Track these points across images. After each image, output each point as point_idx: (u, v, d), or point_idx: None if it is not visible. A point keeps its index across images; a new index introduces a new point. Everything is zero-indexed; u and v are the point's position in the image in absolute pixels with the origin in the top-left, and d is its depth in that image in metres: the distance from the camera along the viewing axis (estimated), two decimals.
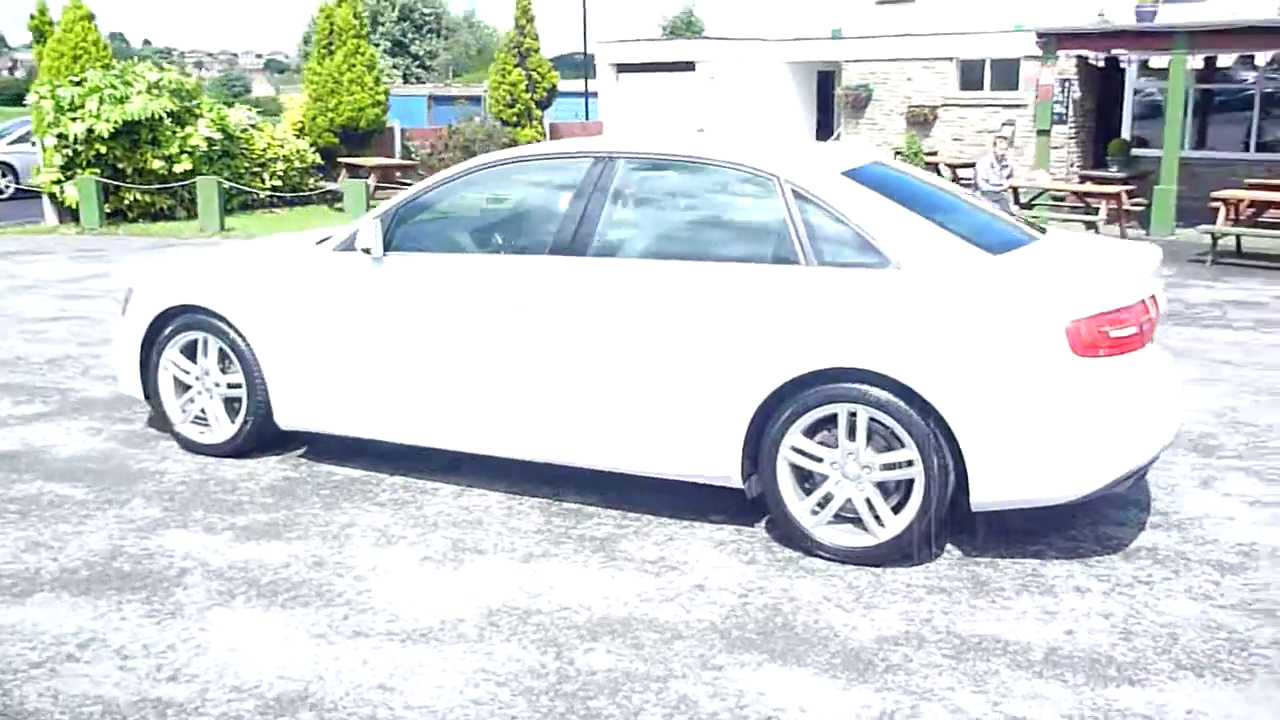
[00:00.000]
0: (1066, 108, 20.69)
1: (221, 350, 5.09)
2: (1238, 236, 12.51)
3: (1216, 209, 13.00)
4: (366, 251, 4.62)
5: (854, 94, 23.41)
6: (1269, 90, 17.76)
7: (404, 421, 4.75)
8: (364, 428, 4.88)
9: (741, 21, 24.43)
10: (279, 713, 3.07)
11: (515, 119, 20.50)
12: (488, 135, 19.99)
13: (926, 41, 22.16)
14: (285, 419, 5.01)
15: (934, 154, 21.49)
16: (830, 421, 4.02)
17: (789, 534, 4.17)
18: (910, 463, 3.91)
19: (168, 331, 5.18)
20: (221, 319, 5.02)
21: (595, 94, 26.19)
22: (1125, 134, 19.00)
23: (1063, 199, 16.71)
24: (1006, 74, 21.38)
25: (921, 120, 22.47)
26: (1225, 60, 14.28)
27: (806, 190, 4.15)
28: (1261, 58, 13.73)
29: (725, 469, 4.20)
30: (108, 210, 14.50)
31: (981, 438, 3.79)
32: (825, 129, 25.57)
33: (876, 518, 4.01)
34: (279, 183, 16.29)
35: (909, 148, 18.41)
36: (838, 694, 3.20)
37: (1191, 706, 3.13)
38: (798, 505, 4.11)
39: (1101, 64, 15.93)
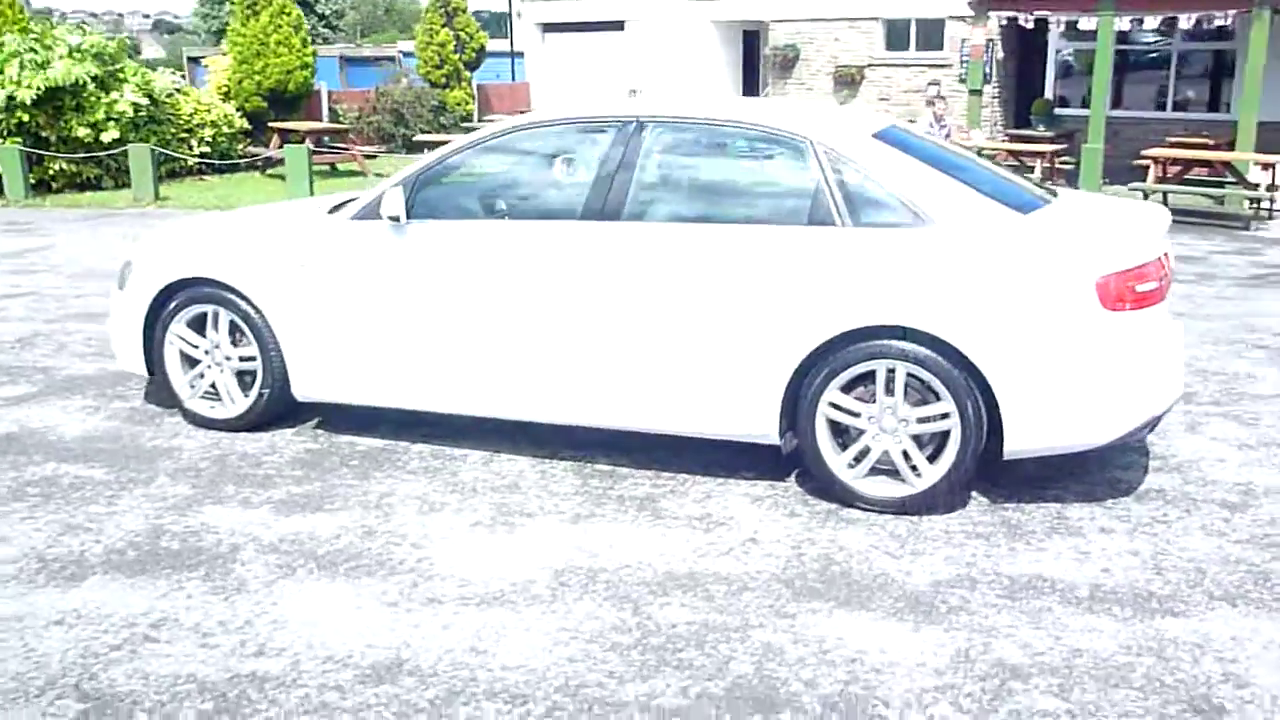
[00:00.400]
0: (990, 68, 21.17)
1: (233, 323, 5.01)
2: (1165, 194, 13.04)
3: (1146, 167, 13.53)
4: (395, 219, 4.58)
5: (781, 54, 23.58)
6: (1184, 50, 18.44)
7: (433, 389, 4.76)
8: (389, 397, 4.87)
9: None
10: (379, 680, 3.11)
11: (444, 80, 20.19)
12: (417, 98, 19.69)
13: (853, 2, 22.41)
14: (303, 390, 4.97)
15: None
16: (867, 377, 4.17)
17: (827, 487, 4.32)
18: (946, 415, 4.08)
19: (174, 305, 5.08)
20: (234, 291, 4.94)
21: (521, 54, 25.87)
22: (1048, 94, 19.55)
23: (994, 158, 17.14)
24: (932, 34, 21.77)
25: (849, 80, 22.77)
26: (1151, 22, 14.73)
27: (840, 152, 4.27)
28: (1185, 20, 14.24)
29: (765, 427, 4.33)
30: (31, 181, 13.90)
31: (1016, 389, 3.98)
32: (751, 89, 25.73)
33: (913, 468, 4.18)
34: (207, 149, 15.80)
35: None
36: (910, 636, 3.36)
37: (1234, 634, 3.37)
38: (836, 459, 4.26)
39: (1031, 25, 16.32)
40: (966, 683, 3.11)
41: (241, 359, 5.06)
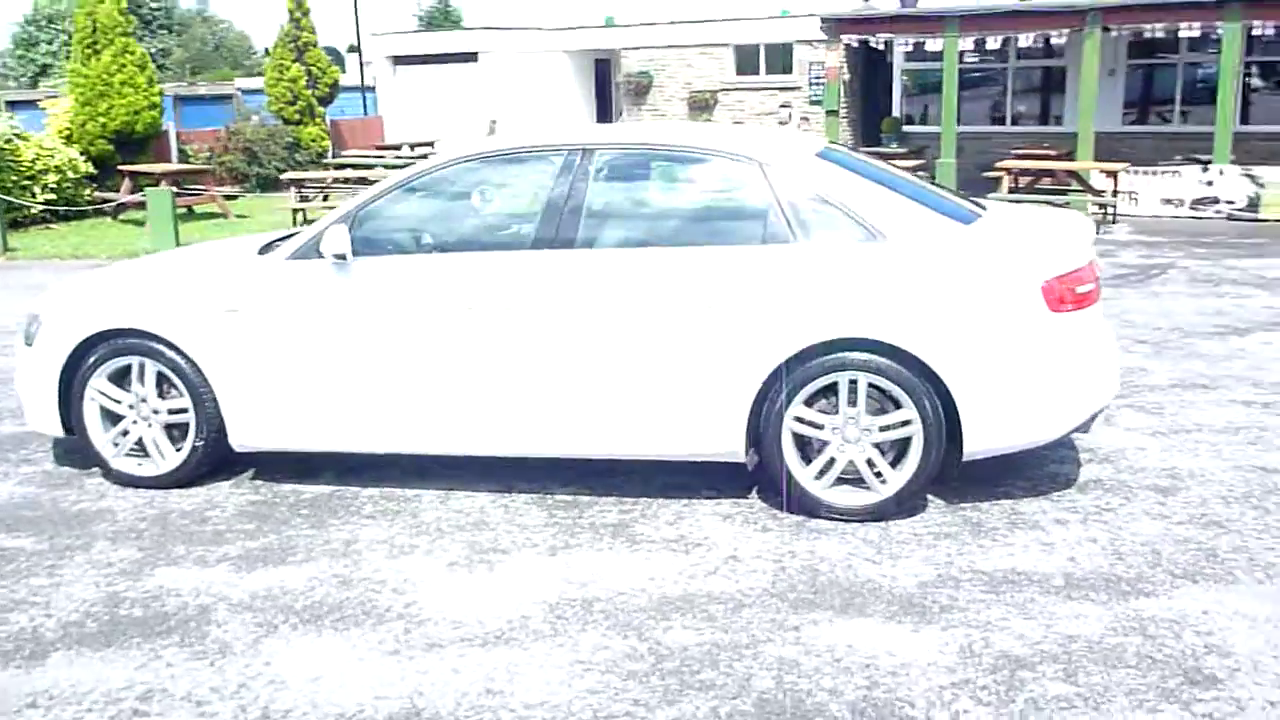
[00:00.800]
0: (839, 89, 22.04)
1: (160, 374, 4.76)
2: (1017, 203, 13.84)
3: (998, 178, 14.32)
4: (340, 257, 4.45)
5: (635, 81, 23.98)
6: (1018, 68, 19.62)
7: (386, 430, 4.63)
8: (337, 440, 4.72)
9: (512, 9, 24.33)
10: None
11: (297, 116, 19.66)
12: (270, 135, 19.12)
13: (703, 28, 23.00)
14: (242, 439, 4.76)
15: None
16: (829, 390, 4.28)
17: (798, 500, 4.40)
18: (908, 422, 4.23)
19: (93, 359, 4.78)
20: (162, 341, 4.69)
21: (372, 88, 25.44)
22: (896, 112, 20.47)
23: None
24: (781, 59, 22.53)
25: (703, 105, 23.32)
26: (993, 43, 15.64)
27: (788, 173, 4.39)
28: (1025, 39, 15.18)
29: (731, 445, 4.38)
30: None
31: (973, 392, 4.16)
32: (605, 117, 26.03)
33: (878, 475, 4.31)
34: (53, 196, 14.90)
35: None
36: (913, 636, 3.46)
37: (1204, 608, 3.60)
38: (803, 472, 4.35)
39: (881, 46, 17.10)
40: (979, 676, 3.22)
41: (171, 411, 4.80)
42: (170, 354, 4.70)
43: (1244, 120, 16.92)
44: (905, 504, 4.37)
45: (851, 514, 4.34)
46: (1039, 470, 4.86)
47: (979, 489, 4.61)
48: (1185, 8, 13.89)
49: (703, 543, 4.21)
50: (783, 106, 22.61)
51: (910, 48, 19.02)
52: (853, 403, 4.27)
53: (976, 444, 4.25)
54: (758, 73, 22.88)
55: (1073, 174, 14.04)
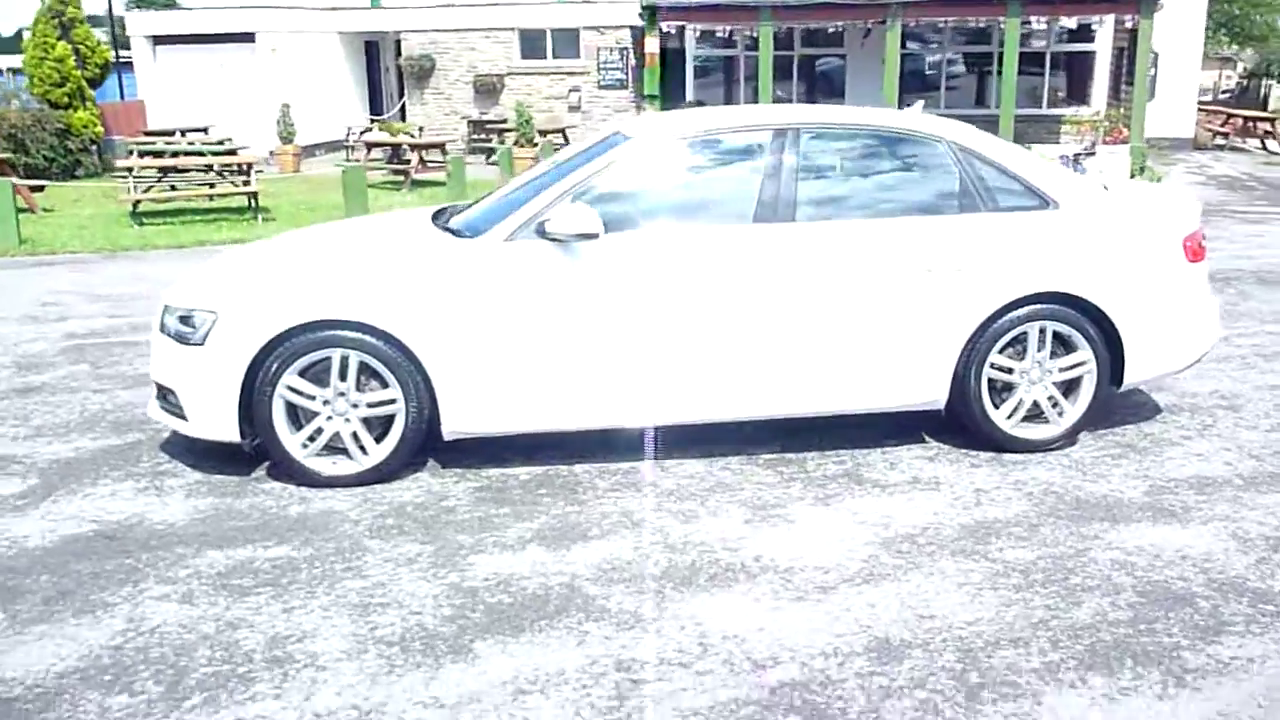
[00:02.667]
0: (626, 74, 22.80)
1: (362, 365, 4.59)
2: None
3: None
4: (586, 236, 4.51)
5: (418, 64, 23.50)
6: (804, 56, 21.16)
7: (617, 405, 4.74)
8: (562, 419, 4.76)
9: None
10: (884, 659, 3.30)
11: (66, 100, 17.74)
12: (36, 121, 17.20)
13: (486, 11, 22.92)
14: (457, 426, 4.69)
15: (504, 121, 22.48)
16: (1017, 339, 4.89)
17: (985, 439, 4.98)
18: (1083, 363, 4.93)
19: (282, 354, 4.53)
20: (372, 330, 4.53)
21: (129, 66, 23.26)
22: (690, 97, 21.46)
23: None
24: (568, 43, 22.89)
25: (489, 89, 23.27)
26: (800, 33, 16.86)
27: (971, 148, 4.94)
28: (831, 28, 16.52)
29: (936, 394, 4.90)
30: None
31: (1135, 332, 4.92)
32: (375, 101, 25.33)
33: (1057, 410, 4.98)
34: None
35: (520, 116, 19.11)
36: (1186, 532, 4.15)
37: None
38: (995, 414, 4.94)
39: (697, 34, 17.93)
40: (1272, 554, 3.96)
41: (371, 405, 4.64)
42: (379, 344, 4.55)
43: (995, 105, 19.32)
44: (1075, 435, 5.07)
45: (1035, 446, 4.99)
46: (1125, 403, 5.72)
47: (1097, 421, 5.38)
48: (974, 4, 15.70)
49: (939, 481, 4.71)
50: (572, 91, 23.01)
51: (698, 34, 20.08)
52: (1039, 348, 4.90)
53: (1134, 375, 5.02)
54: (545, 57, 23.12)
55: None
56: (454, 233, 4.93)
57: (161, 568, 3.96)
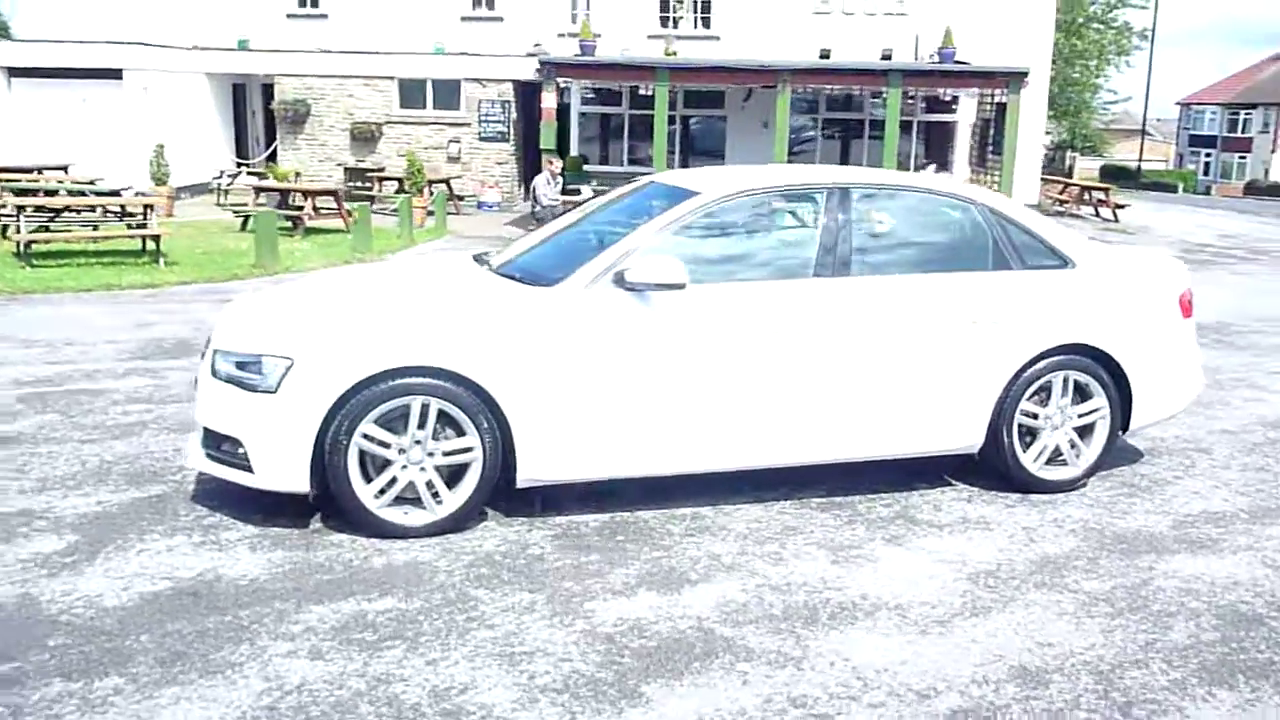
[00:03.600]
0: (507, 126, 22.97)
1: (441, 413, 4.55)
2: None
3: None
4: (670, 286, 4.61)
5: (291, 108, 22.98)
6: (684, 115, 21.78)
7: (688, 451, 4.85)
8: (637, 466, 4.83)
9: (147, 24, 22.06)
10: (1030, 684, 3.53)
11: None
12: None
13: (365, 60, 22.69)
14: (534, 473, 4.68)
15: (381, 170, 22.19)
16: (1042, 388, 5.28)
17: (1013, 481, 5.33)
18: (1099, 409, 5.36)
19: (362, 401, 4.43)
20: (456, 378, 4.50)
21: None
22: (574, 151, 21.74)
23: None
24: (449, 94, 22.87)
25: (367, 136, 22.97)
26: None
27: (1002, 212, 5.34)
28: (731, 90, 17.17)
29: (974, 439, 5.23)
30: None
31: (1143, 379, 5.40)
32: (241, 144, 24.58)
33: (1075, 452, 5.38)
34: None
35: (411, 165, 18.89)
36: (1222, 562, 4.58)
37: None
38: (1024, 456, 5.31)
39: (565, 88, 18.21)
40: None
41: (446, 453, 4.59)
42: (460, 391, 4.52)
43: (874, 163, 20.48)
44: (1089, 477, 5.49)
45: (1058, 487, 5.38)
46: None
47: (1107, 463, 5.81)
48: (858, 74, 16.66)
49: (988, 521, 5.01)
50: (452, 142, 22.96)
51: (591, 93, 20.49)
52: (1064, 395, 5.31)
53: (1141, 418, 5.49)
54: (425, 107, 23.01)
55: None
56: (517, 279, 4.95)
57: (269, 624, 3.79)
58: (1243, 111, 64.98)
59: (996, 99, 17.35)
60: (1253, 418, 7.03)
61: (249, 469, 4.53)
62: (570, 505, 4.99)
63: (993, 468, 5.37)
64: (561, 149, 22.14)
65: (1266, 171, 59.89)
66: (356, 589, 4.10)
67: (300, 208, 16.53)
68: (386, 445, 4.52)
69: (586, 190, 16.46)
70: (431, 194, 18.90)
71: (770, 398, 4.88)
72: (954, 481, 5.50)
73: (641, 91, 19.92)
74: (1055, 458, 5.40)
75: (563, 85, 18.14)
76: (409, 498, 4.61)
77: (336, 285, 5.48)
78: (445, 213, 18.26)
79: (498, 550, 4.51)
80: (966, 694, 3.45)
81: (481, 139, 22.95)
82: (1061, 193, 24.83)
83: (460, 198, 21.50)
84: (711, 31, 23.50)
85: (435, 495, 4.61)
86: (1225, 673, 3.64)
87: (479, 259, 5.58)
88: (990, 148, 18.60)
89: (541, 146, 18.02)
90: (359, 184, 21.73)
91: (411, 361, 4.47)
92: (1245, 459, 6.10)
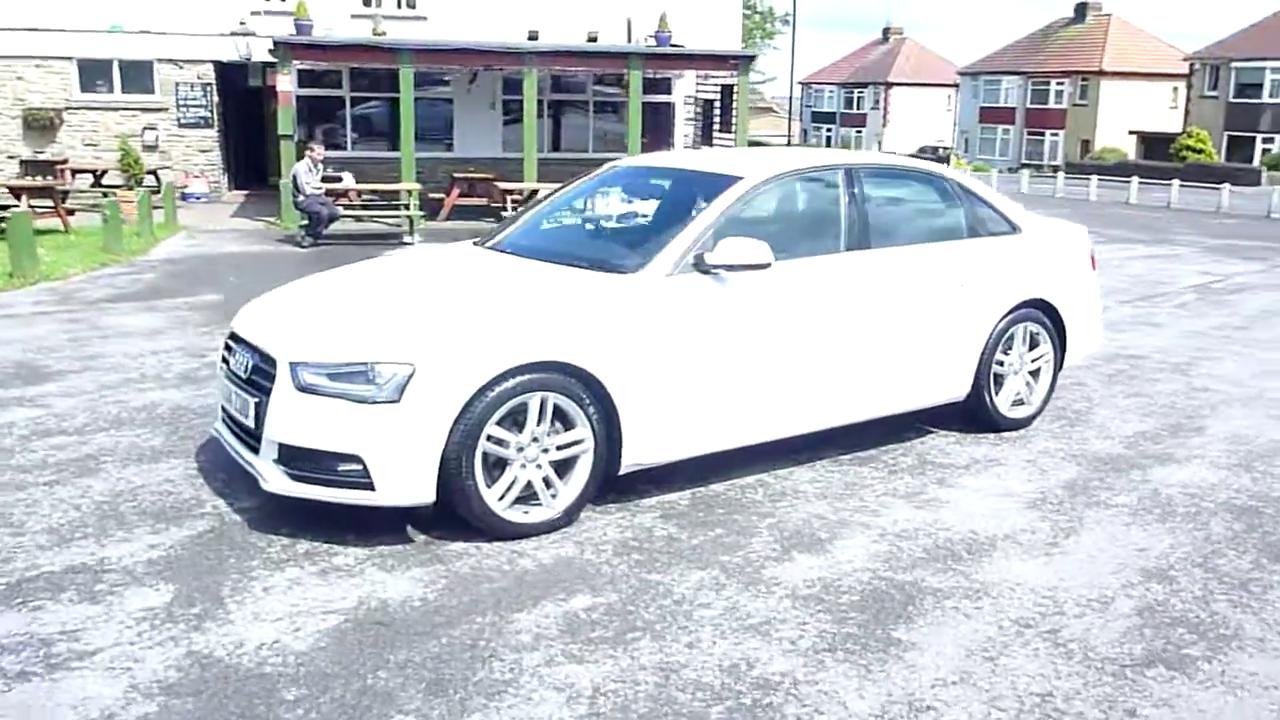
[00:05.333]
0: (210, 111, 21.32)
1: (557, 408, 4.51)
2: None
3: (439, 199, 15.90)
4: (758, 266, 4.82)
5: None
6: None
7: (756, 423, 5.11)
8: (720, 440, 5.03)
9: None
10: (1164, 581, 4.22)
11: None
12: None
13: (38, 38, 20.04)
14: (637, 458, 4.75)
15: (64, 161, 19.85)
16: (1009, 339, 6.07)
17: (990, 422, 6.09)
18: (1046, 355, 6.26)
19: (486, 403, 4.30)
20: (572, 370, 4.47)
21: None
22: (296, 137, 20.47)
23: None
24: (140, 76, 20.76)
25: (45, 124, 20.37)
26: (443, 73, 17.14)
27: (968, 186, 6.05)
28: (470, 71, 16.99)
29: (965, 389, 5.92)
30: None
31: (1075, 324, 6.35)
32: None
33: (1030, 392, 6.24)
34: None
35: (127, 155, 16.98)
36: (1185, 469, 5.57)
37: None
38: (998, 400, 6.08)
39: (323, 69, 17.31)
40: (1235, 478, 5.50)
41: (559, 447, 4.56)
42: (573, 383, 4.50)
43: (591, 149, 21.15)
44: (1040, 413, 6.36)
45: (1020, 424, 6.21)
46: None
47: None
48: (605, 56, 17.16)
49: (994, 459, 5.71)
50: (148, 129, 20.84)
51: (306, 75, 19.43)
52: (1024, 344, 6.12)
53: (1071, 359, 6.44)
54: (112, 90, 20.72)
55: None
56: (584, 267, 4.99)
57: (494, 638, 3.65)
58: (856, 90, 73.04)
59: (725, 81, 18.56)
60: (1085, 357, 8.30)
61: (368, 486, 4.24)
62: (645, 488, 5.08)
63: (970, 412, 6.08)
64: (249, 132, 20.81)
65: (879, 143, 67.69)
66: (537, 592, 4.02)
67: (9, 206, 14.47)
68: (505, 445, 4.42)
69: (349, 178, 15.69)
70: (154, 189, 17.16)
71: (823, 366, 5.25)
72: (930, 429, 6.17)
73: (362, 73, 19.27)
74: (1016, 400, 6.21)
75: (300, 68, 17.10)
76: (523, 496, 4.53)
77: (372, 285, 5.19)
78: (174, 206, 16.69)
79: (630, 538, 4.56)
80: (1131, 596, 4.07)
81: (182, 125, 21.06)
82: None
83: (156, 190, 19.65)
84: (418, 11, 23.05)
85: (552, 491, 4.57)
86: (1276, 552, 4.53)
87: (491, 248, 5.51)
88: (718, 127, 19.83)
89: (280, 133, 16.90)
90: (39, 178, 19.21)
91: (535, 357, 4.39)
92: (1119, 388, 7.29)
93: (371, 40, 17.12)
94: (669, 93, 21.94)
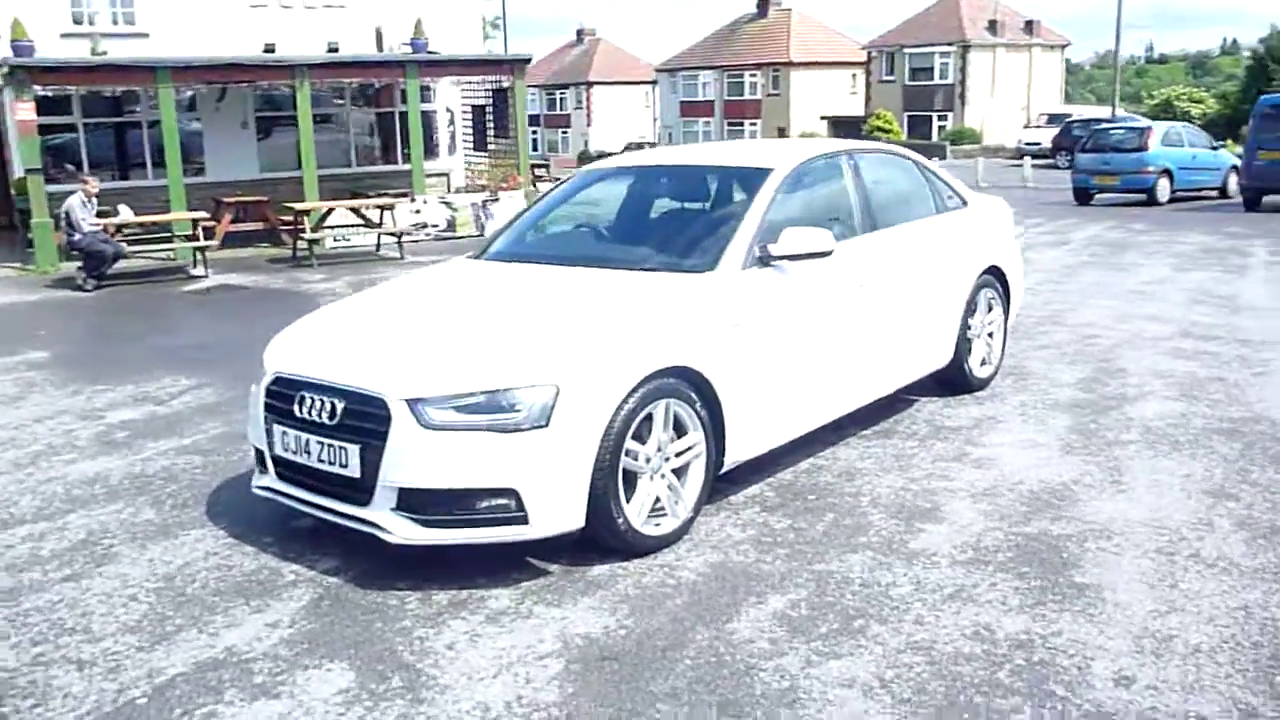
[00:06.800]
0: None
1: (676, 415, 4.43)
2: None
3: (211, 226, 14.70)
4: (821, 254, 4.90)
5: None
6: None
7: (816, 410, 5.25)
8: (793, 429, 5.12)
9: None
10: (1221, 498, 4.76)
11: None
12: None
13: None
14: (738, 456, 4.75)
15: None
16: (978, 302, 6.54)
17: (963, 383, 6.53)
18: (998, 319, 6.79)
19: (624, 416, 4.13)
20: (689, 375, 4.40)
21: None
22: (19, 172, 18.15)
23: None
24: None
25: None
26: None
27: (926, 165, 6.46)
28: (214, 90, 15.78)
29: (948, 356, 6.33)
30: None
31: (1015, 287, 6.96)
32: None
33: (990, 351, 6.76)
34: None
35: None
36: (1154, 405, 6.27)
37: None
38: (971, 362, 6.55)
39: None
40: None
41: (677, 454, 4.48)
42: (687, 388, 4.43)
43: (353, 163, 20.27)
44: (998, 371, 6.90)
45: (985, 383, 6.71)
46: None
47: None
48: (378, 66, 16.51)
49: (990, 417, 6.15)
50: None
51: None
52: (987, 309, 6.63)
53: (1013, 312, 7.03)
54: None
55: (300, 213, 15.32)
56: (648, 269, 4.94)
57: (736, 649, 3.56)
58: (559, 91, 74.17)
59: (502, 84, 18.35)
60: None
61: (521, 520, 3.97)
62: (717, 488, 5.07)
63: (945, 377, 6.50)
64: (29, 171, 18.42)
65: (586, 142, 69.09)
66: (725, 599, 3.94)
67: None
68: (637, 458, 4.28)
69: (126, 210, 14.07)
70: None
71: (860, 346, 5.47)
72: (913, 397, 6.53)
73: (105, 96, 17.53)
74: (983, 361, 6.71)
75: (43, 94, 15.13)
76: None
77: (439, 307, 4.93)
78: None
79: (756, 535, 4.54)
80: (1220, 514, 4.56)
81: None
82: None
83: None
84: (138, 28, 21.22)
85: (675, 500, 4.47)
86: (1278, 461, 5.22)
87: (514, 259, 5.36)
88: (493, 131, 19.53)
89: (25, 167, 14.94)
90: None
91: (661, 364, 4.28)
92: (1026, 342, 8.01)
93: (128, 60, 15.51)
94: (431, 101, 21.41)
